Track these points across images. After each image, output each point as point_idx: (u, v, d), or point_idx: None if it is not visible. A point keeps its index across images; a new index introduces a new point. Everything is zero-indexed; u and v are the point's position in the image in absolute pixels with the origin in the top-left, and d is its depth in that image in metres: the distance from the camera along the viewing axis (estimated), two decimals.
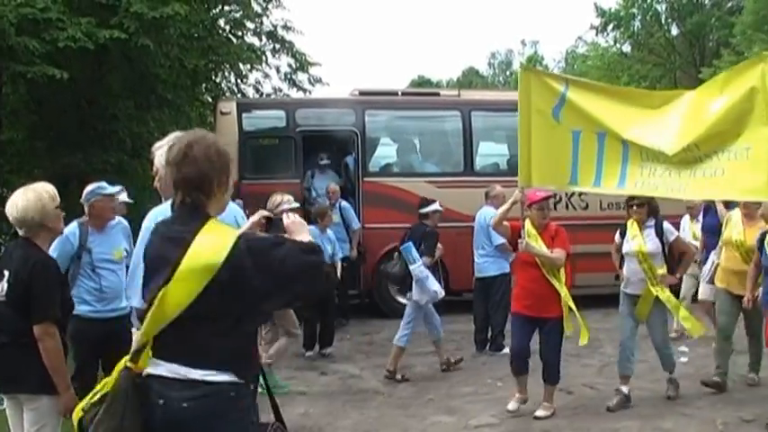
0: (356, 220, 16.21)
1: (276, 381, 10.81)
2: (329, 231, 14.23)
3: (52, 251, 7.15)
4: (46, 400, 5.97)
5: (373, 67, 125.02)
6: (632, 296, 10.41)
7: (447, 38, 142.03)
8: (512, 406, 10.02)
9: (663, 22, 51.32)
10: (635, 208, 10.31)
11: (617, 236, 10.73)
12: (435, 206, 12.53)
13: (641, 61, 50.83)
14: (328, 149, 18.53)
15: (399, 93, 20.18)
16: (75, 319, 7.19)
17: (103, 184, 8.85)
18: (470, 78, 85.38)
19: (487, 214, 13.20)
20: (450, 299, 12.17)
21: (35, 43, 14.38)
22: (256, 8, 21.01)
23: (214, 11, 20.11)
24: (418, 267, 11.51)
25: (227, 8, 20.36)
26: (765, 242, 9.57)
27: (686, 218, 14.55)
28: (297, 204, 12.40)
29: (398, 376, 11.89)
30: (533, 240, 9.60)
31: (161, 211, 5.56)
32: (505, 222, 9.91)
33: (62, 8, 14.75)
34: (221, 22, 20.38)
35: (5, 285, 5.92)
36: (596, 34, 54.66)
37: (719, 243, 11.37)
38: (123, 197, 10.25)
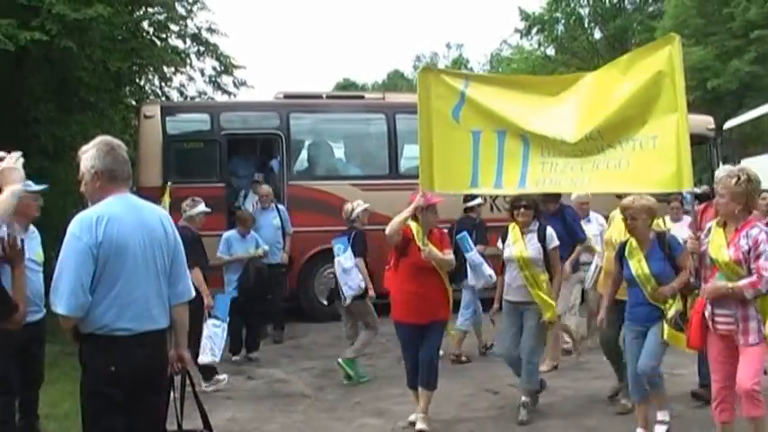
0: (289, 224, 16.05)
1: (359, 371, 11.89)
2: (253, 234, 14.22)
3: None
4: None
5: (298, 70, 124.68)
6: (514, 303, 10.02)
7: (372, 41, 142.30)
8: (413, 417, 9.57)
9: (586, 25, 51.93)
10: (522, 210, 9.94)
11: (499, 241, 10.32)
12: (479, 200, 13.56)
13: (565, 64, 51.28)
14: (253, 153, 18.51)
15: (324, 96, 20.26)
16: None
17: (29, 182, 8.78)
18: (395, 81, 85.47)
19: None
20: (375, 301, 12.14)
21: None
22: (180, 10, 20.85)
23: (138, 13, 19.93)
24: (474, 254, 11.97)
25: (150, 10, 20.17)
26: (626, 253, 8.90)
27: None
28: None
29: (464, 358, 12.89)
30: (422, 241, 9.22)
31: (87, 217, 5.53)
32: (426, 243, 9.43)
33: None
34: (145, 24, 20.19)
35: None
36: (521, 37, 55.11)
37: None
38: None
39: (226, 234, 14.11)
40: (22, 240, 6.66)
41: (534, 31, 52.98)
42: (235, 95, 23.35)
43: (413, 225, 9.28)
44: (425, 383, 9.45)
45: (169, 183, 14.58)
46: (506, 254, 10.04)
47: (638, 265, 8.70)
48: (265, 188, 15.99)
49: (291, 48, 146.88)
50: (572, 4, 50.88)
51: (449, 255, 9.53)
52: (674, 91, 7.76)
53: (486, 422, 9.81)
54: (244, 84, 23.51)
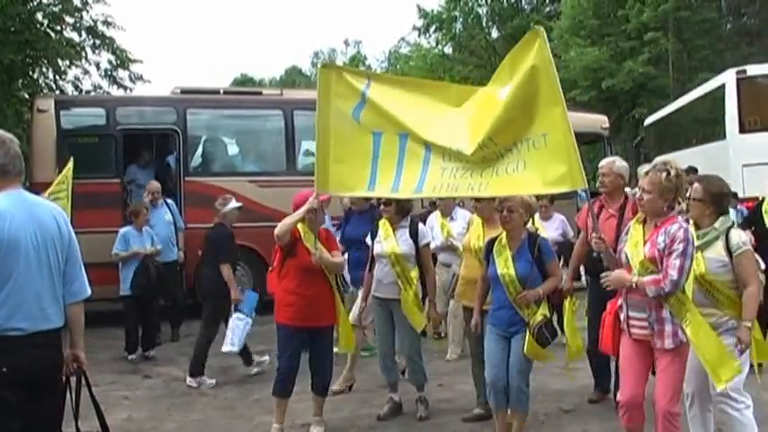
0: (180, 220, 15.89)
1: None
2: (148, 229, 14.07)
3: None
4: None
5: (195, 65, 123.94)
6: (384, 300, 9.81)
7: (270, 36, 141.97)
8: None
9: (484, 24, 52.52)
10: (383, 207, 9.84)
11: (368, 237, 10.15)
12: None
13: (463, 63, 51.82)
14: (149, 148, 18.31)
15: (221, 91, 20.09)
16: None
17: None
18: (293, 77, 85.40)
19: None
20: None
21: None
22: (76, 2, 20.63)
23: (31, 4, 19.66)
24: None
25: (45, 1, 19.88)
26: (494, 251, 8.52)
27: (436, 214, 13.31)
28: (240, 204, 12.70)
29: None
30: (312, 245, 8.85)
31: None
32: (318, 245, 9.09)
33: None
34: (39, 15, 19.91)
35: None
36: (419, 35, 55.70)
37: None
38: None
39: (122, 230, 13.91)
40: None
41: (432, 29, 53.52)
42: (131, 90, 23.20)
43: (300, 225, 8.93)
44: (320, 390, 9.24)
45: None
46: (377, 250, 9.84)
47: (504, 265, 8.35)
48: (154, 184, 15.63)
49: (189, 43, 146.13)
50: (470, 4, 51.47)
51: (338, 257, 9.28)
52: (551, 83, 7.47)
53: (387, 418, 9.77)
54: (140, 78, 23.43)
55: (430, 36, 54.77)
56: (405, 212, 9.88)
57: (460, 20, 51.98)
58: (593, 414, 9.67)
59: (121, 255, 13.66)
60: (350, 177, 8.41)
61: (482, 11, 51.84)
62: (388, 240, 9.75)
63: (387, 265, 9.71)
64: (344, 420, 9.78)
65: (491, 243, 8.62)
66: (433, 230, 12.25)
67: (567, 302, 8.83)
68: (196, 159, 18.04)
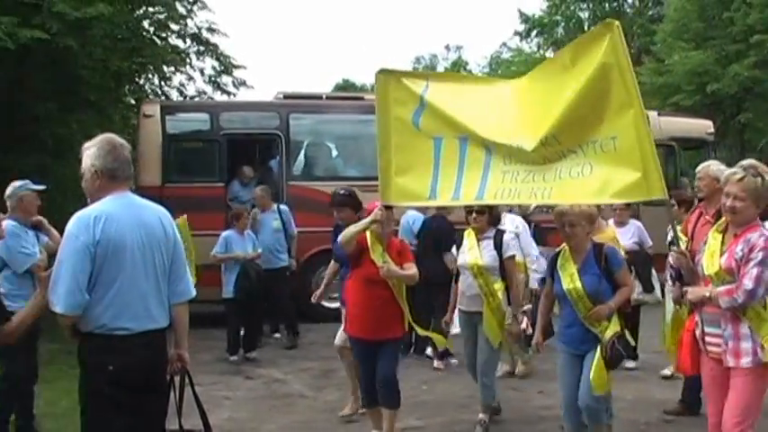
0: (293, 227, 15.73)
1: None
2: (250, 232, 14.23)
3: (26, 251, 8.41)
4: None
5: (298, 70, 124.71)
6: (469, 313, 9.59)
7: (372, 42, 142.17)
8: None
9: (585, 28, 51.89)
10: (474, 215, 9.49)
11: (453, 248, 9.91)
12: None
13: None
14: (252, 153, 18.52)
15: (324, 96, 20.21)
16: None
17: (28, 180, 9.18)
18: None
19: (412, 217, 13.39)
20: None
21: None
22: (181, 10, 20.91)
23: (138, 12, 19.98)
24: None
25: (151, 9, 20.22)
26: (558, 265, 8.10)
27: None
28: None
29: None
30: (380, 257, 8.52)
31: (85, 216, 5.54)
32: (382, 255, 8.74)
33: None
34: (146, 23, 20.26)
35: None
36: (520, 40, 55.30)
37: None
38: None
39: (224, 233, 14.10)
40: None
41: (534, 33, 53.17)
42: (234, 95, 23.45)
43: (369, 235, 8.63)
44: (385, 402, 8.83)
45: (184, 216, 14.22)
46: (460, 261, 9.67)
47: (570, 280, 7.90)
48: (258, 190, 15.88)
49: (291, 48, 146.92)
50: (572, 7, 50.96)
51: (410, 269, 8.74)
52: (624, 84, 6.83)
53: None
54: (243, 84, 23.65)
55: (531, 41, 54.49)
56: (495, 223, 9.78)
57: (562, 24, 51.54)
58: (696, 425, 9.29)
59: (219, 256, 13.85)
60: (412, 186, 8.10)
61: (584, 15, 51.32)
62: (472, 251, 9.51)
63: (470, 276, 9.48)
64: (443, 426, 9.79)
65: (555, 258, 8.22)
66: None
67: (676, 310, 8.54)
68: (299, 164, 18.17)
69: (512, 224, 11.74)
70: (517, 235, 11.17)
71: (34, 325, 7.82)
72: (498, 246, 9.45)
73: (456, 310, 9.87)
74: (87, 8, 15.13)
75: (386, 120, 8.12)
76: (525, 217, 12.80)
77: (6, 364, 7.10)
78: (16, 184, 9.19)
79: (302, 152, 18.36)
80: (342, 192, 9.92)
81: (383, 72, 8.18)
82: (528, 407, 10.49)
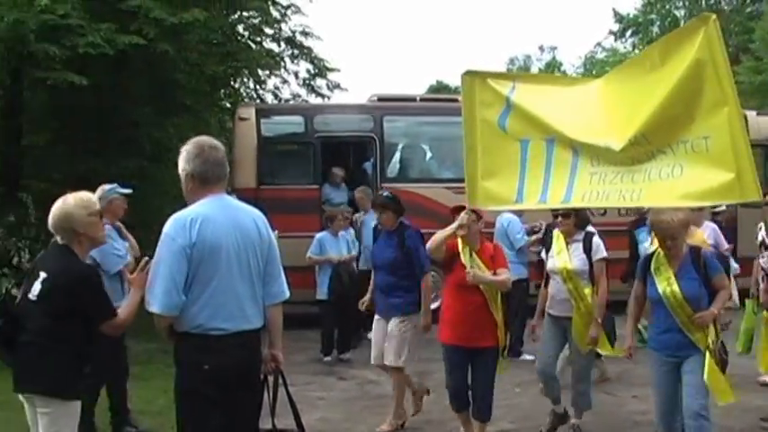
0: None
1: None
2: (344, 234, 14.29)
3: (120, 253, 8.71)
4: (58, 404, 6.01)
5: (392, 72, 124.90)
6: (557, 318, 9.45)
7: (465, 43, 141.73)
8: None
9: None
10: (560, 219, 9.45)
11: (543, 251, 9.86)
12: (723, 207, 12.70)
13: None
14: (346, 155, 18.61)
15: (417, 98, 20.23)
16: None
17: (115, 184, 9.45)
18: None
19: (507, 219, 13.32)
20: None
21: (55, 49, 14.43)
22: (275, 14, 21.03)
23: (233, 17, 20.19)
24: None
25: (245, 14, 20.41)
26: (652, 267, 7.84)
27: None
28: None
29: None
30: (468, 262, 8.33)
31: (182, 218, 5.64)
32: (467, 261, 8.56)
33: (82, 14, 14.79)
34: (240, 27, 20.44)
35: (39, 287, 6.01)
36: (615, 40, 54.80)
37: None
38: None
39: (318, 235, 14.19)
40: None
41: (629, 33, 52.66)
42: (328, 98, 23.54)
43: (459, 240, 8.44)
44: (478, 415, 8.74)
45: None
46: (549, 265, 9.52)
47: (667, 284, 7.63)
48: (358, 192, 15.99)
49: (385, 50, 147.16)
50: (667, 6, 50.35)
51: (503, 275, 8.53)
52: (719, 81, 6.50)
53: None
54: (337, 86, 23.69)
55: (626, 40, 53.97)
56: (583, 225, 9.61)
57: (657, 23, 50.96)
58: None
59: (314, 258, 13.95)
60: (499, 189, 7.98)
61: (679, 13, 50.66)
62: (561, 255, 9.39)
63: (559, 281, 9.36)
64: (534, 430, 9.74)
65: (647, 261, 7.98)
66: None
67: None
68: (393, 166, 18.22)
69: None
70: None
71: None
72: (588, 249, 9.33)
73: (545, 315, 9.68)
74: (183, 14, 15.33)
75: (472, 122, 8.05)
76: None
77: (93, 362, 7.28)
78: (105, 187, 9.46)
79: (396, 154, 18.42)
80: (385, 194, 10.13)
81: (469, 74, 8.12)
82: (622, 411, 10.40)
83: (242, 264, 5.76)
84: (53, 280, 5.99)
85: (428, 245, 8.68)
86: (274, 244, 6.09)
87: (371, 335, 10.33)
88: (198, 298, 5.58)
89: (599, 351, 9.45)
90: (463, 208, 8.31)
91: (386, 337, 9.92)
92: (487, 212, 9.00)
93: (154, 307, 5.55)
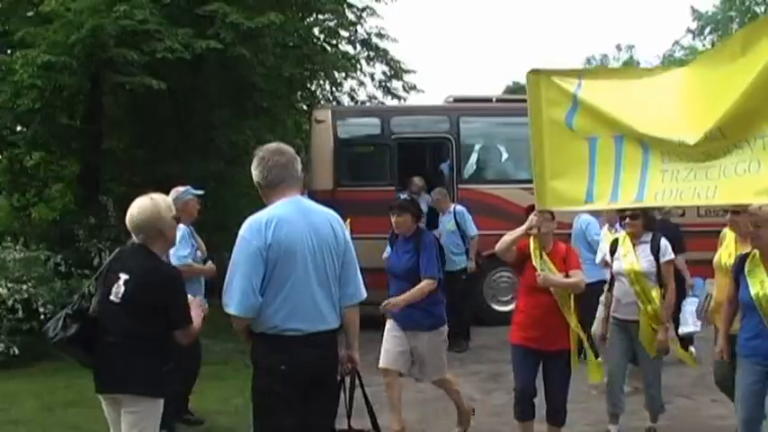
0: (473, 227, 15.55)
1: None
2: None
3: (182, 254, 8.89)
4: (148, 402, 6.11)
5: (468, 73, 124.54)
6: (623, 321, 9.27)
7: (542, 43, 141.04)
8: None
9: None
10: (628, 220, 9.28)
11: (607, 253, 9.66)
12: None
13: None
14: (423, 157, 18.61)
15: (494, 99, 20.14)
16: None
17: (189, 186, 9.89)
18: None
19: (585, 221, 13.21)
20: None
21: (134, 54, 14.64)
22: (350, 16, 21.10)
23: (309, 20, 20.26)
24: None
25: (321, 17, 20.50)
26: (746, 270, 7.45)
27: (603, 229, 12.79)
28: None
29: None
30: (539, 263, 8.16)
31: (257, 220, 5.69)
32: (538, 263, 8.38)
33: (160, 20, 14.98)
34: (316, 30, 20.51)
35: (122, 289, 6.10)
36: (693, 38, 53.99)
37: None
38: None
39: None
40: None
41: (707, 30, 51.86)
42: (405, 100, 23.58)
43: (531, 241, 8.23)
44: (553, 421, 8.63)
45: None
46: (616, 267, 9.33)
47: (761, 287, 7.21)
48: (436, 192, 15.84)
49: (461, 52, 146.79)
50: (747, 3, 49.52)
51: (575, 276, 8.33)
52: None
53: None
54: (414, 88, 23.74)
55: (705, 38, 53.20)
56: (651, 227, 9.40)
57: (737, 20, 50.19)
58: None
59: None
60: (568, 190, 7.74)
61: (759, 9, 49.89)
62: (628, 257, 9.20)
63: (626, 283, 9.16)
64: None
65: (742, 261, 7.60)
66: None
67: None
68: (470, 167, 18.19)
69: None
70: None
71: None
72: (656, 250, 9.13)
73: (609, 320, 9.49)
74: (259, 17, 15.45)
75: (539, 122, 7.82)
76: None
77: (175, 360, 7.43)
78: (180, 189, 9.74)
79: (473, 155, 18.36)
80: (403, 196, 10.05)
81: (534, 72, 7.91)
82: (700, 416, 10.26)
83: (317, 265, 5.81)
84: (138, 281, 6.09)
85: (497, 246, 8.46)
86: (351, 245, 6.11)
87: (385, 342, 9.75)
88: (274, 299, 5.64)
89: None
90: (534, 208, 8.12)
91: (404, 351, 9.61)
92: (560, 214, 8.77)
93: (231, 308, 5.62)
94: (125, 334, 6.05)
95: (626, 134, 7.31)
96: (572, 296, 8.34)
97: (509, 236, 8.30)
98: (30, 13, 16.89)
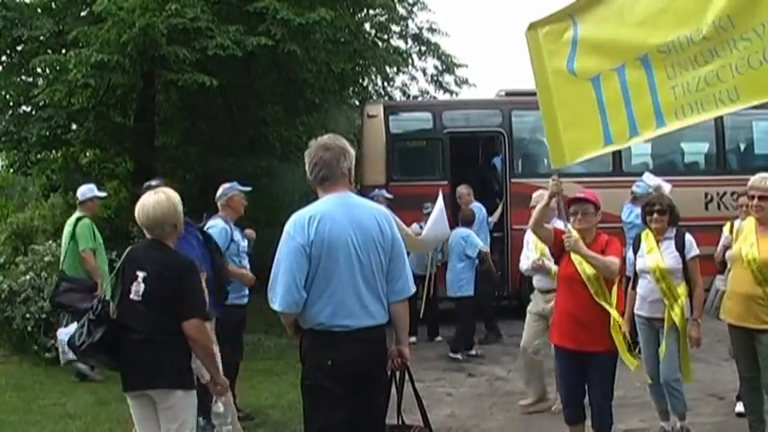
0: (484, 225, 15.70)
1: None
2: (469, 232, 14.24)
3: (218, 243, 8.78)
4: (181, 394, 6.13)
5: (520, 67, 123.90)
6: (649, 320, 8.73)
7: None
8: None
9: None
10: (655, 215, 8.69)
11: (629, 250, 9.16)
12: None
13: None
14: (475, 151, 18.56)
15: None
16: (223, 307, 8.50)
17: (236, 183, 9.96)
18: None
19: (629, 209, 13.21)
20: None
21: (185, 52, 14.74)
22: (401, 11, 21.12)
23: (359, 15, 20.28)
24: None
25: (372, 12, 20.50)
26: None
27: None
28: None
29: None
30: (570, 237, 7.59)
31: (301, 216, 5.74)
32: (548, 225, 8.20)
33: (211, 17, 15.06)
34: (367, 26, 20.53)
35: (142, 287, 6.10)
36: None
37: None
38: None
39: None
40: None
41: None
42: (457, 94, 23.53)
43: (571, 228, 7.70)
44: (598, 426, 7.90)
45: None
46: (639, 265, 8.79)
47: None
48: (462, 188, 15.71)
49: (513, 45, 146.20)
50: None
51: (611, 258, 7.56)
52: None
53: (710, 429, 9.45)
54: (465, 82, 23.72)
55: None
56: (675, 223, 8.81)
57: None
58: None
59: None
60: (583, 137, 7.36)
61: None
62: (652, 254, 8.67)
63: (651, 281, 8.65)
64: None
65: None
66: (528, 246, 10.54)
67: None
68: (522, 161, 18.10)
69: None
70: None
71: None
72: (681, 246, 8.63)
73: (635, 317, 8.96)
74: (310, 14, 15.47)
75: (544, 78, 7.54)
76: None
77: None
78: (226, 185, 9.87)
79: (525, 149, 18.26)
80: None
81: (531, 28, 7.62)
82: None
83: (362, 261, 5.79)
84: (156, 275, 6.11)
85: (530, 223, 7.94)
86: (399, 241, 6.07)
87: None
88: (320, 296, 5.66)
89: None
90: (577, 200, 7.88)
91: None
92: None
93: (275, 304, 5.65)
94: (152, 330, 6.06)
95: (627, 61, 6.91)
96: (610, 287, 7.67)
97: (537, 209, 7.88)
98: (83, 13, 17.06)
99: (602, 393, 7.77)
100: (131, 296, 6.13)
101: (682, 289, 8.49)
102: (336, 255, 5.66)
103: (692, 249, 8.62)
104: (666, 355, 8.49)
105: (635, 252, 8.96)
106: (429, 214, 13.51)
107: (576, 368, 7.83)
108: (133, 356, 6.12)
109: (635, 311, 8.85)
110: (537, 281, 10.34)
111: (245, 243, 9.84)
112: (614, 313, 7.53)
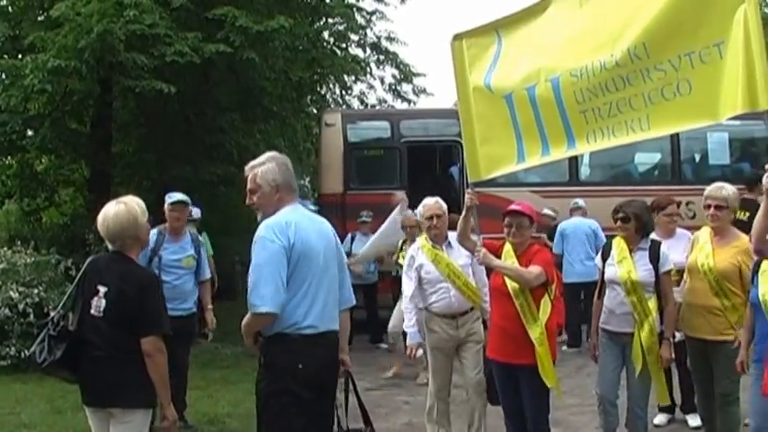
0: None
1: None
2: None
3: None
4: (141, 413, 6.07)
5: None
6: (616, 334, 8.10)
7: None
8: None
9: None
10: (618, 223, 8.13)
11: (598, 258, 8.68)
12: None
13: None
14: (432, 160, 18.60)
15: None
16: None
17: (174, 193, 9.98)
18: None
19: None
20: None
21: (143, 58, 14.68)
22: (360, 20, 21.13)
23: (318, 24, 20.29)
24: None
25: (330, 21, 20.51)
26: (759, 273, 6.67)
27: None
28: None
29: None
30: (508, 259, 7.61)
31: (277, 222, 5.79)
32: (474, 237, 8.04)
33: (169, 24, 15.01)
34: (325, 34, 20.54)
35: (103, 302, 5.98)
36: None
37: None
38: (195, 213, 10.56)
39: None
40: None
41: None
42: (415, 103, 23.59)
43: (509, 245, 7.74)
44: None
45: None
46: (609, 274, 8.15)
47: None
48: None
49: None
50: None
51: (532, 270, 7.43)
52: None
53: None
54: (423, 91, 23.81)
55: None
56: (646, 232, 8.22)
57: None
58: None
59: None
60: (498, 154, 7.44)
61: None
62: (624, 264, 8.03)
63: (620, 293, 8.03)
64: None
65: (758, 262, 6.78)
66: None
67: None
68: None
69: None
70: None
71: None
72: (655, 258, 8.01)
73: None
74: (268, 21, 15.48)
75: (465, 90, 7.61)
76: None
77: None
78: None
79: None
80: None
81: (456, 38, 7.65)
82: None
83: (328, 267, 5.93)
84: (118, 289, 5.97)
85: (456, 235, 8.12)
86: (342, 252, 6.37)
87: None
88: (293, 297, 5.69)
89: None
90: (512, 212, 7.82)
91: None
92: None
93: (263, 308, 5.59)
94: (114, 346, 5.94)
95: (538, 82, 6.92)
96: (544, 304, 7.51)
97: (459, 221, 8.02)
98: (40, 18, 16.97)
99: (535, 407, 7.60)
100: (92, 311, 6.00)
101: (653, 303, 7.91)
102: (309, 260, 5.75)
103: (667, 263, 8.08)
104: (639, 378, 7.97)
105: (604, 260, 8.39)
106: (364, 222, 13.70)
107: (509, 380, 7.72)
108: (96, 372, 5.99)
109: (600, 325, 8.33)
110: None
111: (180, 256, 9.64)
112: (536, 331, 7.37)
